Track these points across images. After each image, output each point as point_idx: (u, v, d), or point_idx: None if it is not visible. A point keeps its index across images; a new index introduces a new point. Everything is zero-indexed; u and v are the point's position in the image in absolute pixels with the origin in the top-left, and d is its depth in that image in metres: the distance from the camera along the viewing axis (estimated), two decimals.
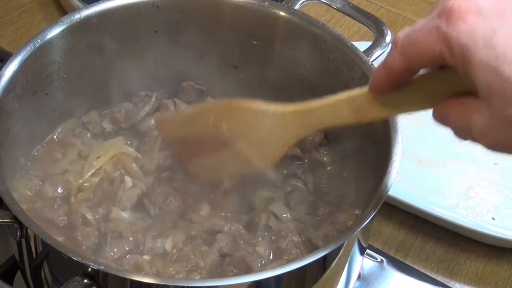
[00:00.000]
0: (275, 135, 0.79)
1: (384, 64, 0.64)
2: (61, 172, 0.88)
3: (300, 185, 0.89)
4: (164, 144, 0.90)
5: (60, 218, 0.82)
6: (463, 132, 0.62)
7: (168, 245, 0.81)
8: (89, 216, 0.82)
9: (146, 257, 0.79)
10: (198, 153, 0.85)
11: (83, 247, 0.80)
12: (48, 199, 0.84)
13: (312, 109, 0.75)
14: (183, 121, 0.88)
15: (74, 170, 0.88)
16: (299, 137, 0.79)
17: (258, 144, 0.81)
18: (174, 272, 0.78)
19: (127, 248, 0.79)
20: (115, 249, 0.78)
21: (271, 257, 0.81)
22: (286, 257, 0.80)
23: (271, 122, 0.78)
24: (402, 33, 0.62)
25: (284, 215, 0.85)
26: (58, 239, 0.78)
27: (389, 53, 0.63)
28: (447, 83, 0.62)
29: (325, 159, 0.93)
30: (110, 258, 0.78)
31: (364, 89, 0.69)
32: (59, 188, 0.85)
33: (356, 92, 0.71)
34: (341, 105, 0.72)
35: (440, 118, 0.64)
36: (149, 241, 0.81)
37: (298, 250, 0.81)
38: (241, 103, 0.80)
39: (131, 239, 0.80)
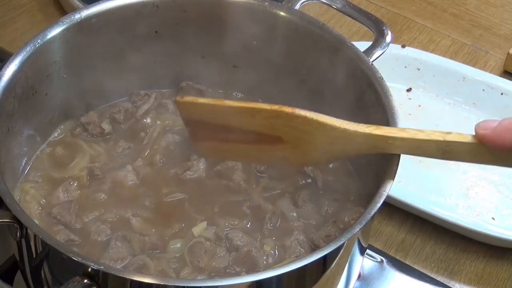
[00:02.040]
0: (333, 147, 0.76)
1: None
2: (72, 177, 0.87)
3: (309, 182, 0.89)
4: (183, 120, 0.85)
5: (75, 222, 0.82)
6: None
7: (196, 230, 0.82)
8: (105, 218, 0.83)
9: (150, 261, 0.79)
10: (220, 138, 0.82)
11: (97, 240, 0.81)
12: (61, 203, 0.84)
13: (395, 138, 0.71)
14: (224, 111, 0.80)
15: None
16: (359, 154, 0.76)
17: (308, 150, 0.78)
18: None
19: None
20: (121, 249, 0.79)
21: (276, 254, 0.81)
22: (290, 256, 0.80)
23: (336, 137, 0.75)
24: None
25: (291, 214, 0.85)
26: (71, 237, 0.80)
27: None
28: None
29: None
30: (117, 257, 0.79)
31: (468, 138, 0.67)
32: (72, 192, 0.85)
33: (456, 137, 0.68)
34: (432, 144, 0.69)
35: None
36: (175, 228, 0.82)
37: (302, 249, 0.81)
38: (307, 113, 0.76)
39: (153, 230, 0.82)
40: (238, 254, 0.80)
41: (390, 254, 0.98)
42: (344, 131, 0.74)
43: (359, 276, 0.94)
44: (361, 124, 0.74)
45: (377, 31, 0.94)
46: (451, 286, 0.96)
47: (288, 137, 0.78)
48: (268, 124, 0.77)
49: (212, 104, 0.82)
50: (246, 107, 0.78)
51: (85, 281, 0.65)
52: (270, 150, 0.80)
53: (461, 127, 1.11)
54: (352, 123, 0.75)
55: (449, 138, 0.68)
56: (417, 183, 1.03)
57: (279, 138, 0.78)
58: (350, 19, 0.98)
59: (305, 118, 0.75)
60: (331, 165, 0.92)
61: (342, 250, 0.72)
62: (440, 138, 0.68)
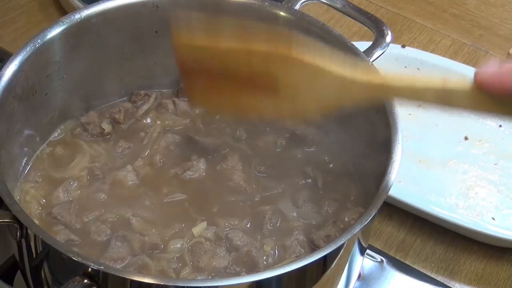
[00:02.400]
0: (327, 94, 0.73)
1: None
2: (72, 177, 0.87)
3: (309, 182, 0.90)
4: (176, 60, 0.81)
5: (75, 222, 0.82)
6: None
7: (196, 230, 0.82)
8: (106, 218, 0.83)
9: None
10: (214, 84, 0.79)
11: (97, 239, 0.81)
12: (61, 203, 0.84)
13: (391, 86, 0.70)
14: (220, 51, 0.76)
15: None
16: (355, 103, 0.73)
17: (302, 97, 0.75)
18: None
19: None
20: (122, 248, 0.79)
21: (276, 254, 0.81)
22: (290, 256, 0.80)
23: (331, 83, 0.72)
24: None
25: (291, 214, 0.85)
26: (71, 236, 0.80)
27: None
28: None
29: (326, 158, 0.93)
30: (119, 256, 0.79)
31: (467, 85, 0.65)
32: (72, 192, 0.85)
33: (455, 84, 0.66)
34: (429, 91, 0.67)
35: None
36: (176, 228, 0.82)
37: (302, 249, 0.81)
38: (304, 55, 0.72)
39: (154, 230, 0.82)
40: (238, 254, 0.80)
41: (390, 254, 0.98)
42: (341, 77, 0.71)
43: (359, 276, 0.94)
44: (360, 71, 0.72)
45: (377, 31, 0.94)
46: (451, 286, 0.96)
47: (282, 81, 0.74)
48: (263, 66, 0.74)
49: (209, 46, 0.77)
50: (242, 48, 0.74)
51: (85, 281, 0.65)
52: (263, 99, 0.77)
53: (461, 127, 1.13)
54: (351, 70, 0.72)
55: (448, 86, 0.66)
56: (417, 183, 1.03)
57: (273, 85, 0.75)
58: (350, 19, 0.98)
59: (301, 61, 0.72)
60: (331, 165, 0.92)
61: (342, 250, 0.72)
62: (439, 86, 0.67)
